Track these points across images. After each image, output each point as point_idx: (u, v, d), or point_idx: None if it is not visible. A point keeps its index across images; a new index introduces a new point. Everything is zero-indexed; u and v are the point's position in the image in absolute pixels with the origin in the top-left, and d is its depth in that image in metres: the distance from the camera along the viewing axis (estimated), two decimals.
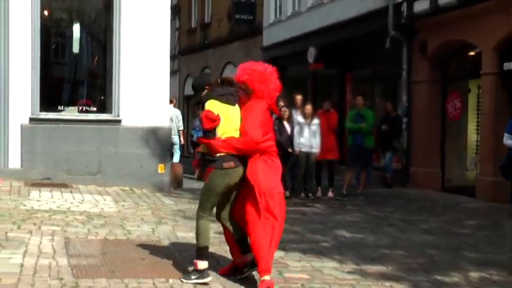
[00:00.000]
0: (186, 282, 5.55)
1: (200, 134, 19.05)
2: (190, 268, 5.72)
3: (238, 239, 5.72)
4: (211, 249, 6.88)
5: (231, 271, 5.86)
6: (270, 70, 5.83)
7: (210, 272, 5.92)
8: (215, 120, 5.48)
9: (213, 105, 5.54)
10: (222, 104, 5.56)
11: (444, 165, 14.73)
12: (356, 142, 12.72)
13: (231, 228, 5.76)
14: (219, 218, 5.85)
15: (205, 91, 5.74)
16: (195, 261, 5.63)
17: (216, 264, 6.30)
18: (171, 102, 14.16)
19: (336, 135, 13.16)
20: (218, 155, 5.53)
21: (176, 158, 14.89)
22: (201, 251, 5.64)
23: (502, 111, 12.62)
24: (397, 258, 7.14)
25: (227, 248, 6.10)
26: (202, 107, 5.68)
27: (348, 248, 7.59)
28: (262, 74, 5.74)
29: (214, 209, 5.81)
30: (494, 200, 12.26)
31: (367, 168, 13.29)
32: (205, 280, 5.58)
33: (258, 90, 5.68)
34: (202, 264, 5.59)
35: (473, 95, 14.14)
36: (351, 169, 13.11)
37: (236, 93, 5.64)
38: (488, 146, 12.83)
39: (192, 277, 5.59)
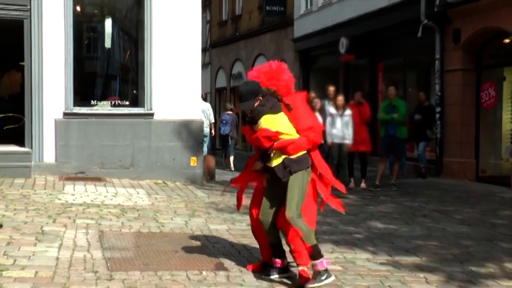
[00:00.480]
0: (318, 286, 5.27)
1: (227, 128, 19.34)
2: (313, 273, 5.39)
3: (275, 243, 5.62)
4: (244, 242, 6.95)
5: (261, 268, 5.77)
6: (275, 67, 5.68)
7: (237, 265, 5.96)
8: (275, 136, 5.34)
9: (268, 122, 5.39)
10: (275, 115, 5.43)
11: (478, 155, 14.54)
12: (389, 133, 12.61)
13: (271, 233, 5.59)
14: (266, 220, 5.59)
15: (255, 106, 5.47)
16: (316, 262, 5.30)
17: (249, 255, 6.32)
18: None
19: (368, 127, 13.06)
20: (300, 154, 5.41)
21: (204, 150, 15.00)
22: (316, 249, 5.34)
23: None
24: (431, 249, 7.08)
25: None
26: (253, 122, 5.50)
27: (381, 239, 7.55)
28: (268, 73, 5.62)
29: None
30: None
31: (400, 159, 13.19)
32: (332, 278, 5.37)
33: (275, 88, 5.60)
34: (325, 262, 5.36)
35: (508, 84, 13.92)
36: (383, 160, 13.02)
37: (278, 100, 5.52)
38: None
39: (322, 278, 5.27)
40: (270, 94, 5.49)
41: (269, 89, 5.52)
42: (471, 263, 6.47)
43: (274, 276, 5.54)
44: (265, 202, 5.54)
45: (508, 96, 13.94)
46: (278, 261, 5.61)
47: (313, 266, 5.35)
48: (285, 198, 5.36)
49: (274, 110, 5.43)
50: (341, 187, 5.72)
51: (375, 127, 14.75)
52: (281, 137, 5.36)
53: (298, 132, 5.44)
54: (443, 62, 15.12)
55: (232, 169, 17.38)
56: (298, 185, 5.35)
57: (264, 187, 5.63)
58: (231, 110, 19.17)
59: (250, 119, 5.53)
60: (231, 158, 18.15)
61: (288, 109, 5.47)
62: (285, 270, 5.64)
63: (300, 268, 5.43)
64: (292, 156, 5.36)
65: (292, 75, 5.76)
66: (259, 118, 5.43)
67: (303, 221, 5.32)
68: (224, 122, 18.56)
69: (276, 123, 5.39)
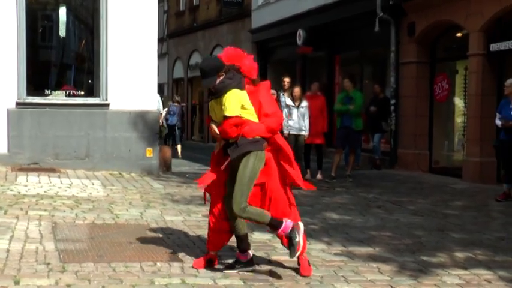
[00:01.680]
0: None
1: (175, 118, 20.71)
2: None
3: (243, 235, 5.53)
4: (199, 233, 6.94)
5: (206, 264, 5.62)
6: (236, 50, 5.60)
7: (192, 257, 5.94)
8: (241, 124, 5.22)
9: (235, 97, 5.20)
10: (241, 91, 5.28)
11: (432, 147, 14.80)
12: (344, 124, 12.70)
13: (239, 223, 5.46)
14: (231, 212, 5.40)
15: (219, 80, 5.27)
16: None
17: (204, 247, 6.30)
18: None
19: (324, 119, 13.12)
20: (256, 137, 5.30)
21: None
22: (274, 221, 5.34)
23: (488, 93, 12.69)
24: (384, 240, 7.17)
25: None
26: (213, 95, 5.32)
27: (335, 230, 7.61)
28: (230, 55, 5.47)
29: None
30: (481, 181, 12.38)
31: (355, 150, 13.30)
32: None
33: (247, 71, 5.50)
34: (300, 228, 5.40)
35: (461, 76, 14.18)
36: (339, 151, 13.10)
37: (242, 76, 5.39)
38: (474, 127, 12.90)
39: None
40: (235, 70, 5.31)
41: (234, 65, 5.34)
42: (423, 253, 6.57)
43: (241, 270, 5.49)
44: (228, 191, 5.40)
45: (460, 89, 14.20)
46: (243, 255, 5.54)
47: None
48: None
49: (241, 86, 5.27)
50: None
51: (332, 119, 14.87)
52: (243, 115, 5.24)
53: (258, 117, 5.36)
54: (398, 54, 15.31)
55: (180, 157, 18.02)
56: (248, 170, 5.24)
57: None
58: (177, 101, 20.29)
59: (213, 93, 5.30)
60: (179, 147, 19.10)
61: (253, 83, 5.42)
62: (249, 263, 5.57)
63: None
64: (247, 138, 5.25)
65: (254, 61, 5.62)
66: (223, 92, 5.22)
67: (248, 209, 5.25)
68: (172, 112, 19.48)
69: (242, 100, 5.25)
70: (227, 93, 5.23)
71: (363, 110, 13.28)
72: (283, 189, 5.55)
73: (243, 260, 5.56)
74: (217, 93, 5.28)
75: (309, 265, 5.65)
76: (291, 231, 5.30)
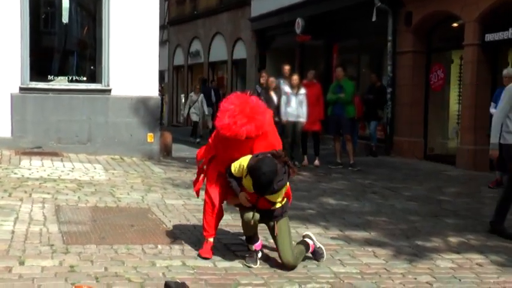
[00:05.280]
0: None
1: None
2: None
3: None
4: (199, 216, 7.05)
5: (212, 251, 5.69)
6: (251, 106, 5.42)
7: (192, 240, 6.09)
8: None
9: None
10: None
11: (427, 135, 14.97)
12: (335, 112, 12.73)
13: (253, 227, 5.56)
14: None
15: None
16: None
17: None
18: None
19: (321, 106, 13.22)
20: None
21: None
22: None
23: (483, 82, 12.84)
24: (380, 225, 7.32)
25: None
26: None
27: (332, 215, 7.74)
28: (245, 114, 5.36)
29: None
30: (474, 168, 12.57)
31: (352, 137, 13.32)
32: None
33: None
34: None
35: (456, 66, 14.31)
36: (337, 138, 13.12)
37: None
38: (469, 116, 13.07)
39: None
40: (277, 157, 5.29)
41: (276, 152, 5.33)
42: (417, 238, 6.73)
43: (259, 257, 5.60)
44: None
45: (455, 78, 14.34)
46: (259, 244, 5.65)
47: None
48: None
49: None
50: None
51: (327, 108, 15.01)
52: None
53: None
54: (395, 44, 15.42)
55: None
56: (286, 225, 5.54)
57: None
58: (161, 90, 21.44)
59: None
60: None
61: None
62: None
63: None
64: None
65: (264, 108, 5.56)
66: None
67: (296, 254, 5.50)
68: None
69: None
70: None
71: (359, 98, 13.37)
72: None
73: (259, 249, 5.65)
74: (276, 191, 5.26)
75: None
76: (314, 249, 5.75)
